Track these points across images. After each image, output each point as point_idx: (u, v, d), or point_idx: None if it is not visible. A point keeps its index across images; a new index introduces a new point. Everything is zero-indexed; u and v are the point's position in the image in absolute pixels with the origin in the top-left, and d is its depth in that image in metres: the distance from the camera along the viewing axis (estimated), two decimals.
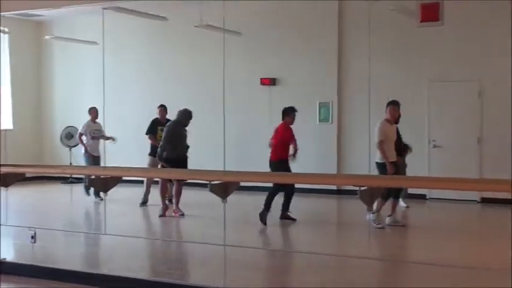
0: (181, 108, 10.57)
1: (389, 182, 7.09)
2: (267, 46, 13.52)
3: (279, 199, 9.63)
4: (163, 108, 11.45)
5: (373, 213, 9.14)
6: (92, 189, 11.96)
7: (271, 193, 9.54)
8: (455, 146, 11.83)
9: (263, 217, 9.42)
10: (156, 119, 11.46)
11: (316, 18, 13.00)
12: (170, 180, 10.71)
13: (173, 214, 10.30)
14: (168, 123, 10.69)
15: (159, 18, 12.55)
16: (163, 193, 10.55)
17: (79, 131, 12.47)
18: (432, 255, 7.48)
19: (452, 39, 11.54)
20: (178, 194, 10.34)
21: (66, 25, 15.17)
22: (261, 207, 9.49)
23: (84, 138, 12.18)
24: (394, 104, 9.31)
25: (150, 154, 11.31)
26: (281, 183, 9.33)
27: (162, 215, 10.26)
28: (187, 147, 10.52)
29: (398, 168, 9.25)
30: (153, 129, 11.39)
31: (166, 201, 10.71)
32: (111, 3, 9.29)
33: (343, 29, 12.83)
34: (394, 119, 9.30)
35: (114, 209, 10.44)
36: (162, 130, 10.88)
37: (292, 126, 9.94)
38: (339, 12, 12.85)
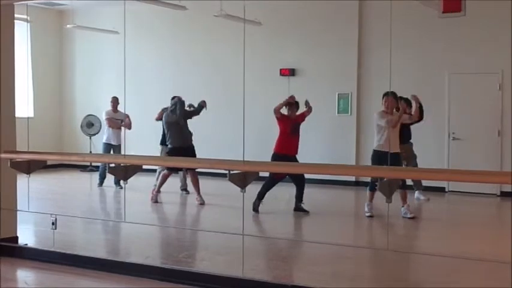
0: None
1: (407, 174, 7.07)
2: (286, 36, 13.52)
3: (292, 190, 9.65)
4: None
5: (367, 203, 9.44)
6: (104, 181, 12.21)
7: (266, 184, 9.60)
8: (476, 139, 11.76)
9: (255, 206, 9.51)
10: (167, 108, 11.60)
11: (336, 9, 12.96)
12: (177, 170, 11.00)
13: (196, 202, 10.44)
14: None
15: (179, 8, 12.55)
16: (163, 181, 10.69)
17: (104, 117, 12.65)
18: (448, 247, 7.47)
19: (474, 30, 11.46)
20: (196, 182, 10.47)
21: (87, 14, 15.24)
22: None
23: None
24: (388, 95, 9.21)
25: (161, 143, 11.44)
26: (278, 177, 9.45)
27: (155, 201, 10.58)
28: (190, 134, 10.67)
29: (399, 158, 9.19)
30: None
31: (184, 193, 11.25)
32: None
33: (364, 19, 12.78)
34: (391, 109, 9.17)
35: (134, 197, 10.53)
36: None
37: (309, 116, 9.92)
38: (360, 3, 12.80)
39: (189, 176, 10.78)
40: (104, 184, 12.26)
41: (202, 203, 10.36)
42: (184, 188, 11.53)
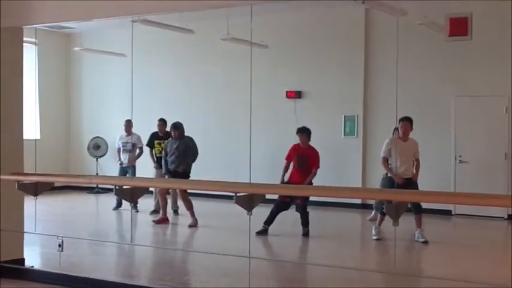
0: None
1: (413, 197, 7.03)
2: (293, 59, 13.57)
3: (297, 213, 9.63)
4: (162, 123, 11.80)
5: (375, 226, 9.41)
6: (121, 205, 12.12)
7: (273, 210, 9.56)
8: (482, 162, 11.71)
9: (261, 232, 9.47)
10: (155, 132, 11.84)
11: (342, 32, 13.03)
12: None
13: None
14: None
15: (186, 31, 12.64)
16: (164, 203, 10.74)
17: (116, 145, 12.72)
18: (454, 270, 7.43)
19: (480, 53, 11.48)
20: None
21: (95, 37, 15.35)
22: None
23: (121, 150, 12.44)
24: (404, 121, 9.13)
25: (155, 166, 11.57)
26: (282, 200, 9.42)
27: (158, 222, 10.55)
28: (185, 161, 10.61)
29: (408, 184, 9.08)
30: (150, 142, 11.87)
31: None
32: (140, 15, 9.38)
33: (370, 42, 12.83)
34: (406, 135, 9.14)
35: (142, 219, 10.51)
36: (159, 144, 11.56)
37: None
38: (366, 26, 12.85)
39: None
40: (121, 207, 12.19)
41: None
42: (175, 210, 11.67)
